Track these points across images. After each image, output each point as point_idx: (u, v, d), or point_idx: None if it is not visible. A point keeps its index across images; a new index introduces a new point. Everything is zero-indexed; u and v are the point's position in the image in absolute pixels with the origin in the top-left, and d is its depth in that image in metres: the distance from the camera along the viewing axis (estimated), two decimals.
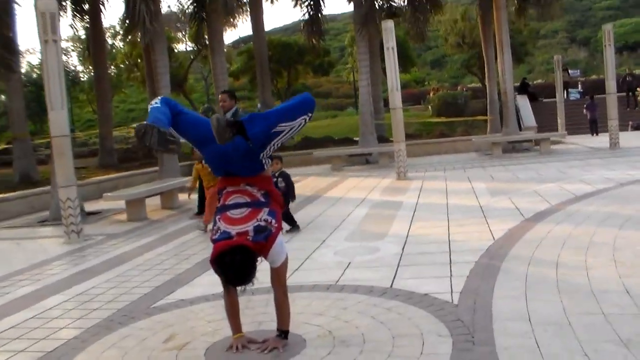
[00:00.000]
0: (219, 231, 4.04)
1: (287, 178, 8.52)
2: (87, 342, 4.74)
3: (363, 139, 19.24)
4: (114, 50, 31.09)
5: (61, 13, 16.16)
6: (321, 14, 21.46)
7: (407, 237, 7.50)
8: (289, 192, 8.39)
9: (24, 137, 18.60)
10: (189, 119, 4.18)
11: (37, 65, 42.62)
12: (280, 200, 4.31)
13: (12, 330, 5.28)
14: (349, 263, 6.42)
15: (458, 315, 4.47)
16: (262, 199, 4.11)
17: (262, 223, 4.00)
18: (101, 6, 21.15)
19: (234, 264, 3.84)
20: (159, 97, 4.18)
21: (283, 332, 4.22)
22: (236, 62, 32.56)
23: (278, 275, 4.16)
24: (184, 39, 27.67)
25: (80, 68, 38.27)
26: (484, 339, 3.98)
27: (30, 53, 45.69)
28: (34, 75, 39.97)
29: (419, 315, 4.55)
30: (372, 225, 8.56)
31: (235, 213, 4.05)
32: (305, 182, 15.29)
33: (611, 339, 3.74)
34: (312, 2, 20.97)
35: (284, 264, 4.15)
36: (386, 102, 31.32)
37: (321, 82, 42.02)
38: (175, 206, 12.78)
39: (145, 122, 3.77)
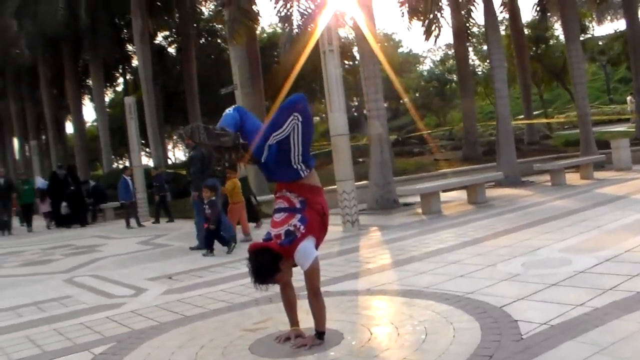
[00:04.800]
0: (267, 232, 4.33)
1: (213, 207, 9.41)
2: (204, 316, 5.45)
3: None
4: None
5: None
6: None
7: (623, 253, 6.23)
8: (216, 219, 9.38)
9: None
10: (247, 126, 4.41)
11: (438, 61, 45.30)
12: (318, 208, 4.28)
13: (153, 307, 6.35)
14: (516, 275, 5.74)
15: (511, 349, 3.79)
16: (298, 205, 4.26)
17: (291, 228, 4.19)
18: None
19: (256, 263, 4.11)
20: (233, 106, 4.51)
21: (318, 333, 4.28)
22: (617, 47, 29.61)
23: (307, 277, 4.22)
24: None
25: (477, 62, 39.45)
26: None
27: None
28: (437, 72, 42.63)
29: (473, 342, 3.98)
30: (614, 236, 7.27)
31: (277, 217, 4.32)
32: None
33: None
34: None
35: (313, 268, 4.18)
36: None
37: None
38: (480, 201, 12.54)
39: (191, 124, 4.23)
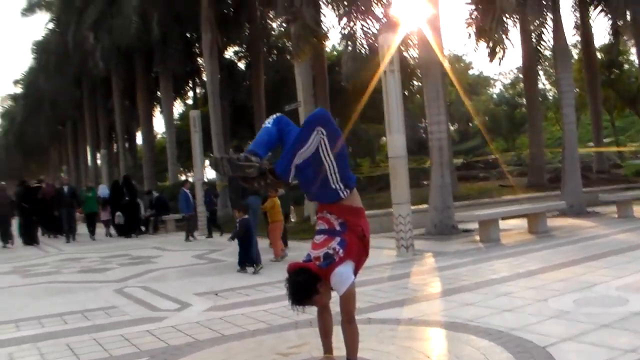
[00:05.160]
0: (307, 253, 4.25)
1: (242, 226, 9.67)
2: (242, 336, 5.41)
3: None
4: None
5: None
6: None
7: None
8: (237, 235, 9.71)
9: None
10: (288, 139, 4.33)
11: (508, 85, 44.51)
12: (359, 231, 4.16)
13: (194, 324, 6.25)
14: (566, 313, 5.46)
15: None
16: (338, 228, 4.16)
17: (330, 251, 4.08)
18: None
19: (294, 283, 4.04)
20: (273, 116, 4.34)
21: None
22: None
23: (342, 303, 4.11)
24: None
25: (548, 87, 38.63)
26: None
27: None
28: (507, 95, 41.88)
29: None
30: None
31: (317, 239, 4.23)
32: None
33: None
34: None
35: (349, 293, 4.05)
36: None
37: None
38: (540, 231, 12.13)
39: (215, 156, 4.18)
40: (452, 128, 54.97)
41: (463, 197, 18.83)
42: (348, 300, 4.07)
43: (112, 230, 20.40)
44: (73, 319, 6.83)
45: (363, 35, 15.98)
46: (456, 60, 48.40)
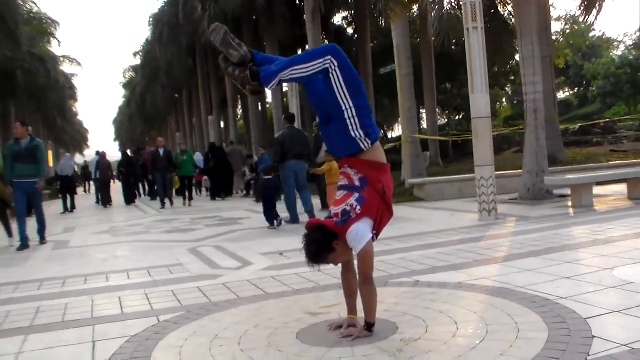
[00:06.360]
0: (329, 210, 4.18)
1: (261, 186, 10.83)
2: (282, 295, 5.39)
3: None
4: None
5: None
6: None
7: None
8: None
9: (553, 119, 18.70)
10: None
11: (631, 46, 41.54)
12: (379, 187, 3.99)
13: (245, 282, 6.27)
14: (628, 284, 4.98)
15: None
16: (357, 183, 4.03)
17: (348, 208, 3.97)
18: None
19: (309, 240, 3.93)
20: (328, 46, 3.99)
21: (367, 324, 4.05)
22: None
23: (358, 262, 3.99)
24: None
25: None
26: None
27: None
28: (630, 57, 39.17)
29: (527, 358, 3.52)
30: None
31: (338, 194, 4.14)
32: None
33: None
34: None
35: (365, 252, 3.90)
36: None
37: None
38: None
39: (219, 24, 4.09)
40: (570, 92, 52.37)
41: (569, 162, 17.91)
42: (364, 260, 3.92)
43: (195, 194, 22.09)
44: (137, 274, 7.09)
45: None
46: (574, 22, 45.66)
